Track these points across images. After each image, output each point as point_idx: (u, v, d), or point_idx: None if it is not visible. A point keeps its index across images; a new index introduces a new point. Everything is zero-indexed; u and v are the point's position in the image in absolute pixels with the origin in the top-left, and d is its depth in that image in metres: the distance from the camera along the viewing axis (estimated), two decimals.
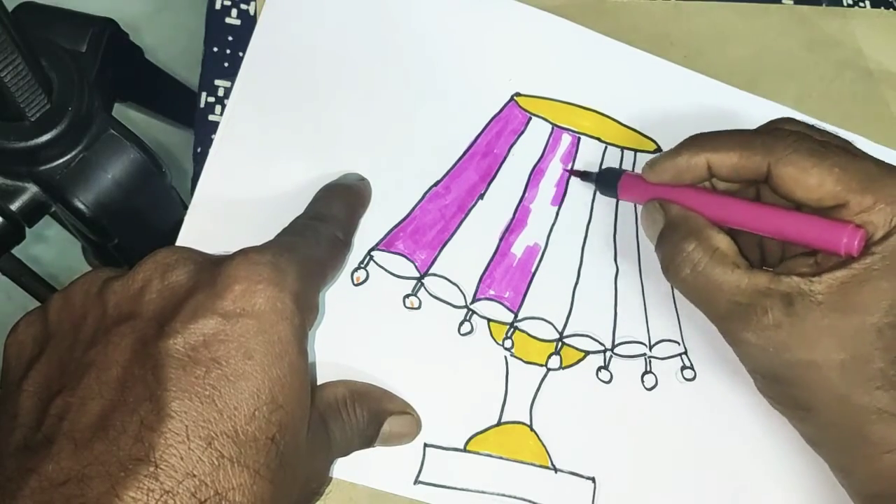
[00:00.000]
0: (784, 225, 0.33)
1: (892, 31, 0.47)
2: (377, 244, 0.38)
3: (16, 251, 0.42)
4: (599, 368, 0.38)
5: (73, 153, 0.38)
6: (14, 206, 0.39)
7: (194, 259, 0.29)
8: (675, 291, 0.39)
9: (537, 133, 0.41)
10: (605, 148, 0.41)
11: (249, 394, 0.26)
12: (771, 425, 0.37)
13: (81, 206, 0.38)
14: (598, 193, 0.40)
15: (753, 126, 0.43)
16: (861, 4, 0.48)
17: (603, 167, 0.40)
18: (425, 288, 0.38)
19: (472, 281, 0.38)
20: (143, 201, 0.39)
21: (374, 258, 0.38)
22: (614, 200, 0.40)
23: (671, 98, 0.43)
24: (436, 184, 0.39)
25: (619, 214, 0.40)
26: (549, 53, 0.42)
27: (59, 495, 0.23)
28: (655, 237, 0.36)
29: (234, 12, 0.43)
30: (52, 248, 0.93)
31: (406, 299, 0.38)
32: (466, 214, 0.39)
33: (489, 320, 0.38)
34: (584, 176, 0.40)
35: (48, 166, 0.37)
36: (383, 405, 0.35)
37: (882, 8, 0.48)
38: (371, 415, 0.33)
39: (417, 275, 0.38)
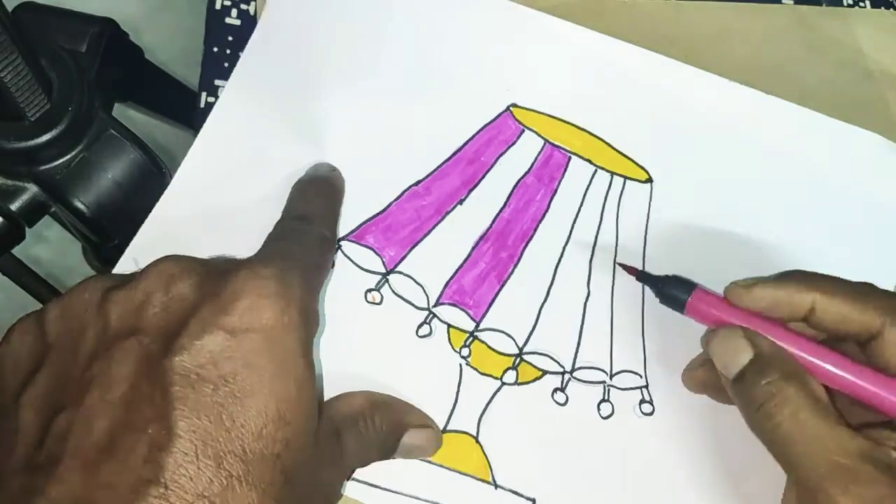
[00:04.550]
0: (886, 397, 0.30)
1: (892, 31, 0.47)
2: (347, 234, 0.38)
3: (16, 251, 0.42)
4: (556, 390, 0.37)
5: (73, 153, 0.38)
6: (14, 206, 0.39)
7: (198, 270, 0.29)
8: (645, 326, 0.38)
9: (528, 147, 0.41)
10: (595, 171, 0.41)
11: (257, 411, 0.26)
12: (724, 472, 0.36)
13: (81, 206, 0.38)
14: (580, 216, 0.40)
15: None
16: (861, 4, 0.48)
17: (672, 274, 0.36)
18: (389, 285, 0.38)
19: (438, 284, 0.38)
20: (143, 201, 0.39)
21: (342, 248, 0.37)
22: (596, 226, 0.40)
23: (669, 129, 0.42)
24: (416, 183, 0.39)
25: (598, 240, 0.40)
26: (551, 69, 0.42)
27: None
28: (734, 369, 0.32)
29: (234, 12, 0.43)
30: (52, 248, 0.93)
31: (368, 293, 0.37)
32: (443, 217, 0.39)
33: (449, 326, 0.37)
34: (642, 277, 0.37)
35: (48, 166, 0.37)
36: (403, 417, 0.34)
37: (882, 8, 0.48)
38: (391, 426, 0.33)
39: (383, 270, 0.38)
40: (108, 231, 0.39)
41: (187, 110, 0.43)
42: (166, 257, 0.29)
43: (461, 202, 0.39)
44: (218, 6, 0.43)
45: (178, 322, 0.27)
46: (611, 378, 0.38)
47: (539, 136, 0.41)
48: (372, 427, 0.32)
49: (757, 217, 0.41)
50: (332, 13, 0.41)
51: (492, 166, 0.40)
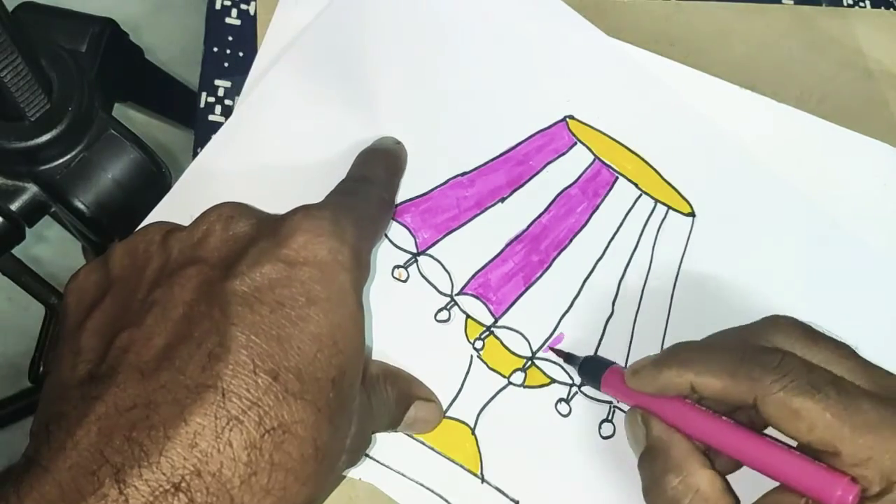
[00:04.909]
0: (772, 465, 0.30)
1: (892, 31, 0.47)
2: None
3: (16, 251, 0.42)
4: (560, 400, 0.37)
5: (73, 153, 0.38)
6: (14, 206, 0.39)
7: (255, 213, 0.30)
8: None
9: (578, 160, 0.41)
10: (640, 195, 0.41)
11: (312, 336, 0.26)
12: None
13: (81, 206, 0.38)
14: (617, 237, 0.40)
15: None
16: (861, 4, 0.48)
17: (589, 355, 0.38)
18: (418, 266, 0.38)
19: (465, 274, 0.38)
20: (143, 201, 0.39)
21: None
22: (631, 250, 0.40)
23: (720, 166, 0.42)
24: (463, 174, 0.40)
25: (630, 264, 0.40)
26: (612, 89, 0.42)
27: (126, 420, 0.24)
28: (637, 452, 0.34)
29: (234, 12, 0.43)
30: (52, 248, 0.93)
31: (395, 269, 0.38)
32: (482, 212, 0.39)
33: (468, 316, 0.38)
34: (568, 359, 0.37)
35: (48, 166, 0.37)
36: (412, 389, 0.35)
37: (882, 8, 0.48)
38: (400, 396, 0.34)
39: (414, 251, 0.38)
40: (108, 231, 0.39)
41: (187, 110, 0.43)
42: (224, 202, 0.30)
43: (502, 200, 0.40)
44: (218, 6, 0.43)
45: (238, 253, 0.28)
46: (618, 400, 0.37)
47: (590, 151, 0.41)
48: (386, 393, 0.33)
49: (791, 268, 0.41)
50: (401, 3, 0.42)
51: (539, 171, 0.40)
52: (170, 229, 0.30)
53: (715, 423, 0.32)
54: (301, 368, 0.26)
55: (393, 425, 0.34)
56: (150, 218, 0.37)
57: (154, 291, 0.27)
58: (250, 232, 0.29)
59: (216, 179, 0.38)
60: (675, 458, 0.31)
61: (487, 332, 0.38)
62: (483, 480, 0.36)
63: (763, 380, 0.30)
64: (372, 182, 0.35)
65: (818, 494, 0.29)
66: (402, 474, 0.35)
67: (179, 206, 0.37)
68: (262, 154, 0.38)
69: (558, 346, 0.38)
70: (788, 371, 0.30)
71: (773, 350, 0.31)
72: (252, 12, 0.43)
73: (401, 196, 0.39)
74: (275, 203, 0.31)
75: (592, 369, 0.36)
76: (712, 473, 0.31)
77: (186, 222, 0.30)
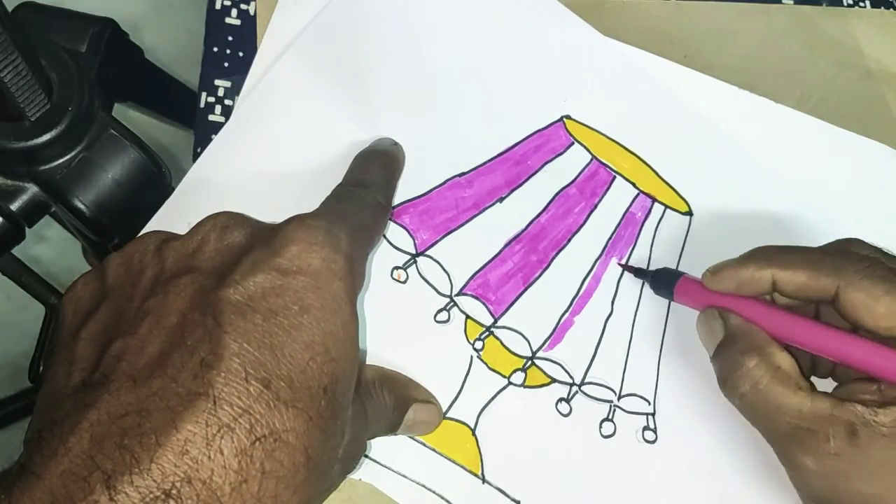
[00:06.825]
0: (850, 352, 0.32)
1: (892, 31, 0.47)
2: None
3: (16, 251, 0.42)
4: (561, 400, 0.37)
5: (73, 153, 0.38)
6: (14, 206, 0.39)
7: (250, 222, 0.30)
8: (662, 355, 0.38)
9: (575, 159, 0.41)
10: (637, 195, 0.41)
11: (304, 344, 0.26)
12: None
13: (81, 206, 0.38)
14: (615, 236, 0.40)
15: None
16: (861, 4, 0.48)
17: (658, 267, 0.39)
18: (417, 267, 0.38)
19: (465, 275, 0.38)
20: (143, 201, 0.39)
21: None
22: (630, 246, 0.40)
23: (717, 165, 0.42)
24: (461, 174, 0.40)
25: (629, 263, 0.40)
26: (609, 88, 0.42)
27: (117, 427, 0.24)
28: (712, 347, 0.35)
29: (234, 12, 0.43)
30: (52, 248, 0.93)
31: (394, 271, 0.38)
32: (480, 212, 0.39)
33: (468, 317, 0.38)
34: (638, 273, 0.39)
35: (48, 166, 0.37)
36: (409, 392, 0.35)
37: (882, 8, 0.48)
38: (397, 400, 0.34)
39: (413, 252, 0.38)
40: (108, 231, 0.39)
41: (187, 110, 0.43)
42: (220, 211, 0.30)
43: (501, 200, 0.40)
44: (218, 6, 0.43)
45: (232, 262, 0.28)
46: (618, 399, 0.38)
47: (588, 150, 0.41)
48: (382, 398, 0.33)
49: None
50: (399, 3, 0.42)
51: (536, 171, 0.40)
52: (165, 238, 0.30)
53: (793, 318, 0.33)
54: (293, 377, 0.26)
55: (392, 429, 0.34)
56: (152, 223, 0.37)
57: (148, 300, 0.27)
58: (244, 241, 0.29)
59: (216, 184, 0.38)
60: (756, 342, 0.33)
61: (487, 333, 0.38)
62: (484, 481, 0.36)
63: (847, 269, 0.32)
64: (368, 186, 0.35)
65: (893, 376, 0.31)
66: (403, 475, 0.35)
67: (180, 212, 0.37)
68: (262, 155, 0.38)
69: (626, 263, 0.39)
70: (870, 263, 0.32)
71: (854, 251, 0.34)
72: (252, 12, 0.43)
73: (399, 197, 0.39)
74: (274, 204, 0.31)
75: (663, 282, 0.38)
76: (790, 356, 0.33)
77: (184, 230, 0.30)
